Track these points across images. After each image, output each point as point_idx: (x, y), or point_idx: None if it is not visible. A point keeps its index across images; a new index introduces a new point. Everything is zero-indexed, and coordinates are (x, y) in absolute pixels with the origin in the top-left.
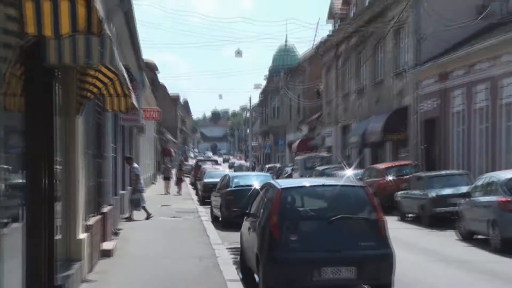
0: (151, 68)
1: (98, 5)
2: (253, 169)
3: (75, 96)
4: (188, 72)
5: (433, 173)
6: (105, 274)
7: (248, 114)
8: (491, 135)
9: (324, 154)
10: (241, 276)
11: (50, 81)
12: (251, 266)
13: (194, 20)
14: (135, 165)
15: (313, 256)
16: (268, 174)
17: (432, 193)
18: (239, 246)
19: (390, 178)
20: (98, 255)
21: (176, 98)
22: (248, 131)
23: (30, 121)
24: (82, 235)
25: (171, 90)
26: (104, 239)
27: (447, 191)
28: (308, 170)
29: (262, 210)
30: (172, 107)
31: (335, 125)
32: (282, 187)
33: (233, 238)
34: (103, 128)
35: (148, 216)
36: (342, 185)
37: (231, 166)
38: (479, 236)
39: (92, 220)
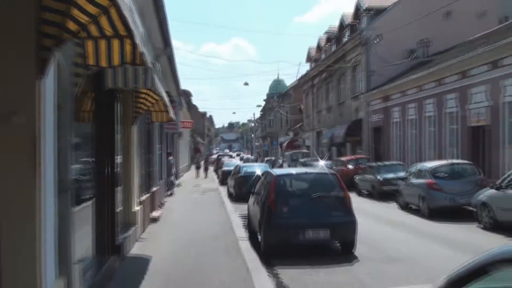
0: (187, 94)
1: (148, 49)
2: (256, 160)
3: (131, 112)
4: (212, 97)
5: (380, 163)
6: (153, 234)
7: (252, 124)
8: (419, 137)
9: (304, 150)
10: (248, 235)
11: (113, 101)
12: (254, 229)
13: (216, 61)
14: (170, 157)
15: (299, 222)
16: (266, 164)
17: (380, 177)
18: (246, 214)
19: (350, 166)
20: (148, 221)
21: (204, 114)
22: (252, 135)
23: (97, 129)
24: (137, 208)
25: (200, 109)
26: (153, 209)
27: (390, 175)
28: (293, 161)
29: (262, 190)
30: (201, 120)
31: (312, 131)
32: (277, 174)
33: (242, 208)
34: (151, 134)
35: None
36: (319, 173)
37: (241, 159)
38: (412, 206)
39: (144, 197)
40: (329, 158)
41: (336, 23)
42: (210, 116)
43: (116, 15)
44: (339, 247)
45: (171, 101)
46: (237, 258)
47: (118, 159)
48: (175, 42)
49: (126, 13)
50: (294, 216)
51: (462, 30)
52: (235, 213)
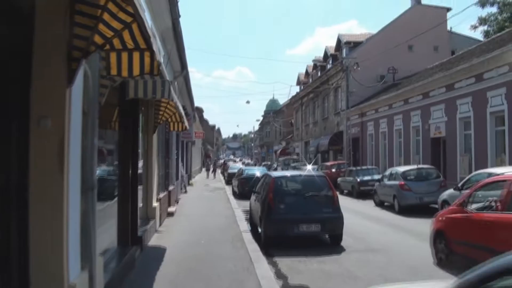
0: (199, 110)
1: (168, 71)
2: (255, 165)
3: (153, 122)
4: (220, 112)
5: (358, 168)
6: (169, 227)
7: (252, 136)
8: (388, 147)
9: (295, 157)
10: (249, 228)
11: (137, 112)
12: (255, 222)
13: (224, 83)
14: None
15: (294, 217)
16: (264, 167)
17: (358, 179)
18: (248, 209)
19: (333, 170)
20: (165, 215)
21: (213, 127)
22: (252, 144)
23: (122, 136)
24: (155, 204)
25: (210, 122)
26: (169, 205)
27: (367, 177)
28: (285, 165)
29: (262, 190)
30: (211, 132)
31: (301, 141)
32: (275, 176)
33: (245, 204)
34: (170, 141)
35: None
36: (311, 175)
37: (243, 163)
38: (386, 204)
39: (161, 195)
40: (315, 163)
41: (321, 54)
42: (218, 128)
43: (137, 30)
44: (328, 239)
45: (186, 114)
46: (241, 248)
47: (141, 162)
48: (190, 68)
49: (146, 28)
50: (289, 212)
51: (421, 60)
52: (239, 209)
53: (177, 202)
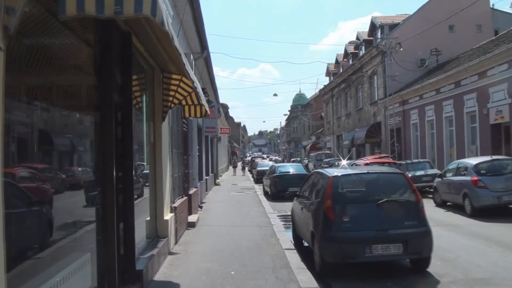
0: (224, 107)
1: (184, 46)
2: (282, 161)
3: (161, 106)
4: (246, 110)
5: (408, 161)
6: (188, 245)
7: (278, 132)
8: (437, 137)
9: (327, 151)
10: (293, 242)
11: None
12: (301, 235)
13: (247, 83)
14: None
15: (365, 235)
16: (299, 164)
17: (410, 174)
18: (286, 213)
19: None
20: (184, 228)
21: (239, 124)
22: (278, 141)
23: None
24: (168, 216)
25: (236, 120)
26: (190, 212)
27: (420, 172)
28: (318, 161)
29: (312, 194)
30: (237, 129)
31: (332, 135)
32: (333, 175)
33: (280, 207)
34: (189, 135)
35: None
36: (383, 172)
37: (270, 160)
38: (449, 203)
39: (178, 202)
40: (350, 158)
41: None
42: (244, 126)
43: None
44: (407, 263)
45: (208, 101)
46: (290, 281)
47: (135, 160)
48: (214, 68)
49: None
50: (357, 227)
51: (464, 41)
52: (274, 213)
53: (201, 208)
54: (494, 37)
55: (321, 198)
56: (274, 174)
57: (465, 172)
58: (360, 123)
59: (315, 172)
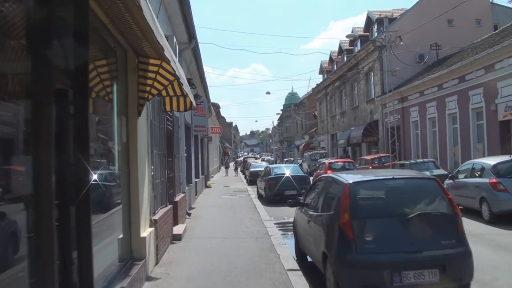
0: (216, 106)
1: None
2: (275, 161)
3: (136, 97)
4: (238, 110)
5: (412, 161)
6: (171, 266)
7: (270, 132)
8: (439, 136)
9: (322, 151)
10: (296, 259)
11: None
12: (307, 252)
13: (239, 81)
14: None
15: (392, 259)
16: (296, 165)
17: None
18: (284, 221)
19: (375, 164)
20: (169, 241)
21: (230, 123)
22: (270, 140)
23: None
24: (146, 232)
25: (228, 119)
26: (176, 222)
27: (425, 173)
28: (312, 161)
29: (323, 205)
30: (228, 129)
31: (326, 134)
32: (350, 181)
33: (276, 212)
34: (175, 135)
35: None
36: (412, 178)
37: (263, 160)
38: (460, 207)
39: (160, 213)
40: (347, 157)
41: (335, 48)
42: (236, 126)
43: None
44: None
45: (196, 96)
46: None
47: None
48: (205, 68)
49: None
50: (383, 248)
51: (463, 35)
52: (271, 221)
53: (189, 215)
54: (497, 30)
55: (336, 211)
56: (269, 176)
57: (481, 173)
58: (356, 121)
59: (324, 177)
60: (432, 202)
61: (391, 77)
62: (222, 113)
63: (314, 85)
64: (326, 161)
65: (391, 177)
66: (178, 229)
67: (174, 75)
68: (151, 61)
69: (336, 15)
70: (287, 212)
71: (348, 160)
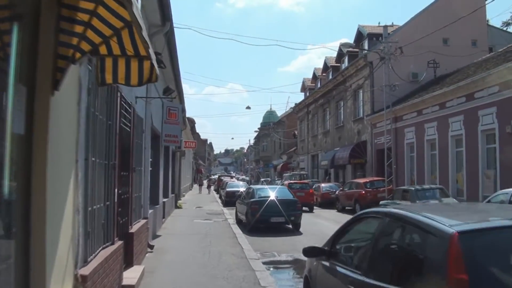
0: (191, 121)
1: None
2: (250, 182)
3: (51, 53)
4: (212, 129)
5: (418, 187)
6: None
7: (245, 150)
8: (440, 160)
9: (303, 172)
10: None
11: None
12: None
13: (215, 100)
14: None
15: None
16: (283, 187)
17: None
18: (275, 259)
19: (368, 189)
20: None
21: (205, 140)
22: (246, 159)
23: None
24: None
25: (202, 137)
26: (131, 263)
27: (433, 202)
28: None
29: (387, 265)
30: (203, 146)
31: (306, 154)
32: (458, 229)
33: (262, 245)
34: (136, 140)
35: None
36: None
37: (237, 179)
38: None
39: (98, 258)
40: (327, 181)
41: (310, 73)
42: (210, 143)
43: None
44: None
45: (167, 89)
46: None
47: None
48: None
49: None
50: None
51: (459, 55)
52: (258, 259)
53: (151, 248)
54: (505, 47)
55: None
56: (252, 199)
57: None
58: (340, 142)
59: (374, 212)
60: None
61: (383, 95)
62: (197, 130)
63: (292, 105)
64: (286, 182)
65: None
66: (131, 276)
67: (123, 18)
68: None
69: (313, 39)
70: (275, 244)
71: (306, 181)
